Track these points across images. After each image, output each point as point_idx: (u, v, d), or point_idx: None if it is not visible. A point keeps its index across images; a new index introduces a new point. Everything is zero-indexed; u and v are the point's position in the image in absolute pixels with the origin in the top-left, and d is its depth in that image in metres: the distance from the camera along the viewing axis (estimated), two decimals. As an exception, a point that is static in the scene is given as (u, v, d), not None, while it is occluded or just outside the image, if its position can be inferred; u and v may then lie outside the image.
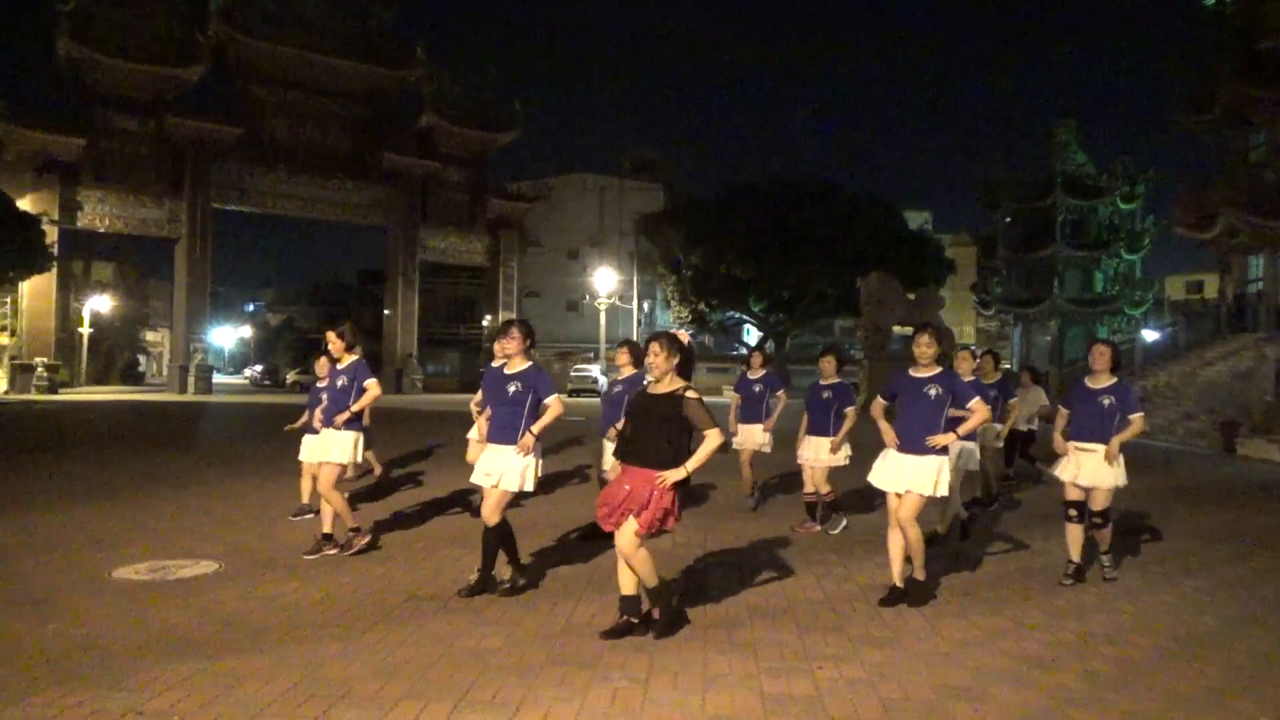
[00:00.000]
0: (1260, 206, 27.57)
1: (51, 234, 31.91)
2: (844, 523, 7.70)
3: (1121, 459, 5.91)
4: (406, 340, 43.21)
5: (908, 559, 5.38)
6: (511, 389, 5.40)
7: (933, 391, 5.34)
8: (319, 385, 7.71)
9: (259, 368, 55.93)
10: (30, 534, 6.96)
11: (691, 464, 4.46)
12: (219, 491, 9.32)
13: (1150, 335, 39.86)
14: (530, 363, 5.51)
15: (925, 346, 5.39)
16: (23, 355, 33.47)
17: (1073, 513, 6.00)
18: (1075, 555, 6.01)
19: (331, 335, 6.58)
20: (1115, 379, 6.08)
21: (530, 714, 3.56)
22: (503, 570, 5.45)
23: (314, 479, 7.57)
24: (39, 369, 31.82)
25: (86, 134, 34.71)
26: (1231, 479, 12.95)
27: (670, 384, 4.58)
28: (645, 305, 56.53)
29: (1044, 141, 45.53)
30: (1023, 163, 55.56)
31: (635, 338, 50.41)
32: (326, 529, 6.41)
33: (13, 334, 34.78)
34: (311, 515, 7.73)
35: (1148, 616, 5.26)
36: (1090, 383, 6.12)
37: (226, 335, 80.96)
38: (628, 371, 7.26)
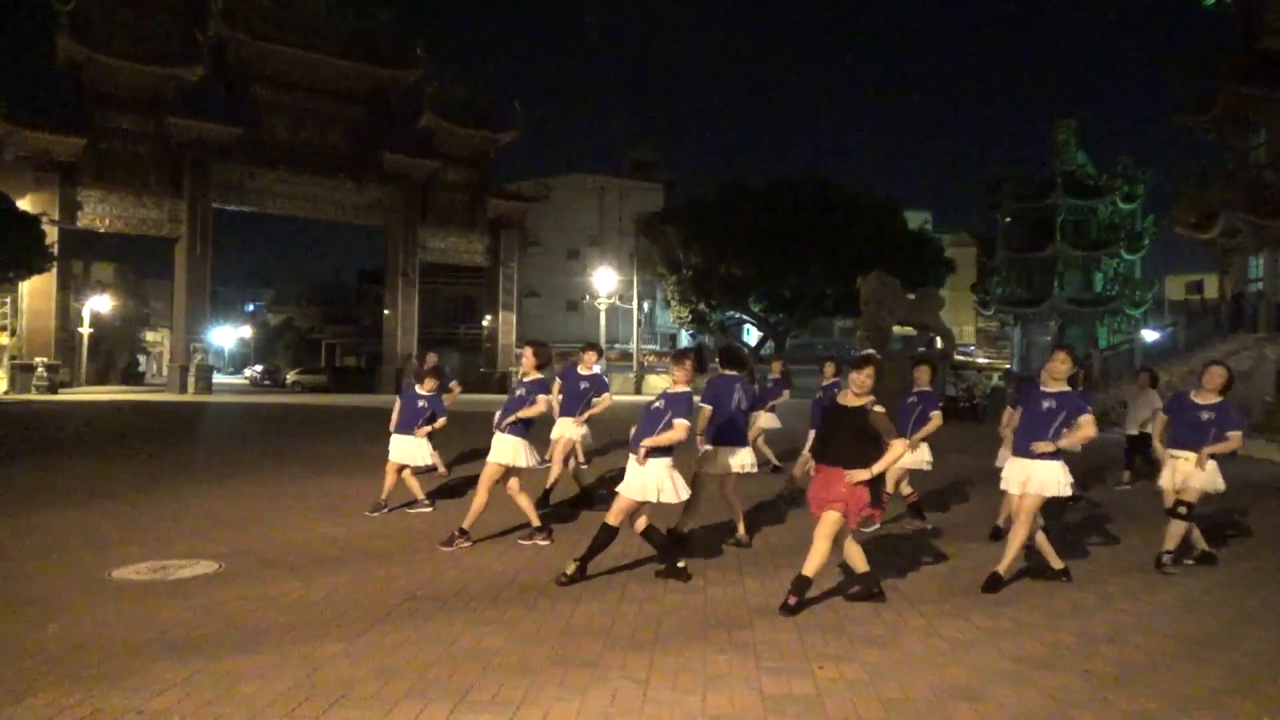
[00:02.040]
0: (1260, 206, 27.56)
1: (51, 234, 31.85)
2: (928, 526, 7.88)
3: (1215, 466, 6.45)
4: (406, 340, 43.14)
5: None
6: (656, 405, 5.84)
7: (1045, 405, 5.80)
8: (411, 390, 8.53)
9: (259, 368, 55.93)
10: (30, 534, 6.96)
11: (877, 467, 5.04)
12: (219, 491, 9.32)
13: (1150, 335, 39.86)
14: (686, 388, 5.87)
15: (1060, 363, 5.82)
16: (23, 355, 33.43)
17: (1182, 511, 6.49)
18: (1202, 544, 6.67)
19: (528, 352, 7.15)
20: (1221, 398, 6.47)
21: (530, 714, 3.56)
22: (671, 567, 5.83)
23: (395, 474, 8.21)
24: (39, 369, 31.78)
25: (86, 134, 34.67)
26: (1231, 479, 12.92)
27: (862, 398, 5.21)
28: (645, 305, 56.48)
29: (1044, 141, 45.55)
30: (1023, 163, 55.60)
31: (635, 338, 49.60)
32: (538, 523, 6.89)
33: (13, 334, 34.76)
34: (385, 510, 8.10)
35: (1148, 616, 5.26)
36: (1196, 397, 6.52)
37: (226, 335, 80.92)
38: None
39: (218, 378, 45.20)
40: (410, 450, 8.24)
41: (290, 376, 45.73)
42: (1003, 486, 6.06)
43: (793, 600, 5.05)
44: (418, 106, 42.99)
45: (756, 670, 4.10)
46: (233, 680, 3.83)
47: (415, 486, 8.30)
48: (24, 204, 31.28)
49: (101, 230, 36.70)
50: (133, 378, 47.76)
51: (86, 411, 22.58)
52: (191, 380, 36.10)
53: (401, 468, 8.24)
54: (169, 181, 37.23)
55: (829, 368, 9.73)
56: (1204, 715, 3.74)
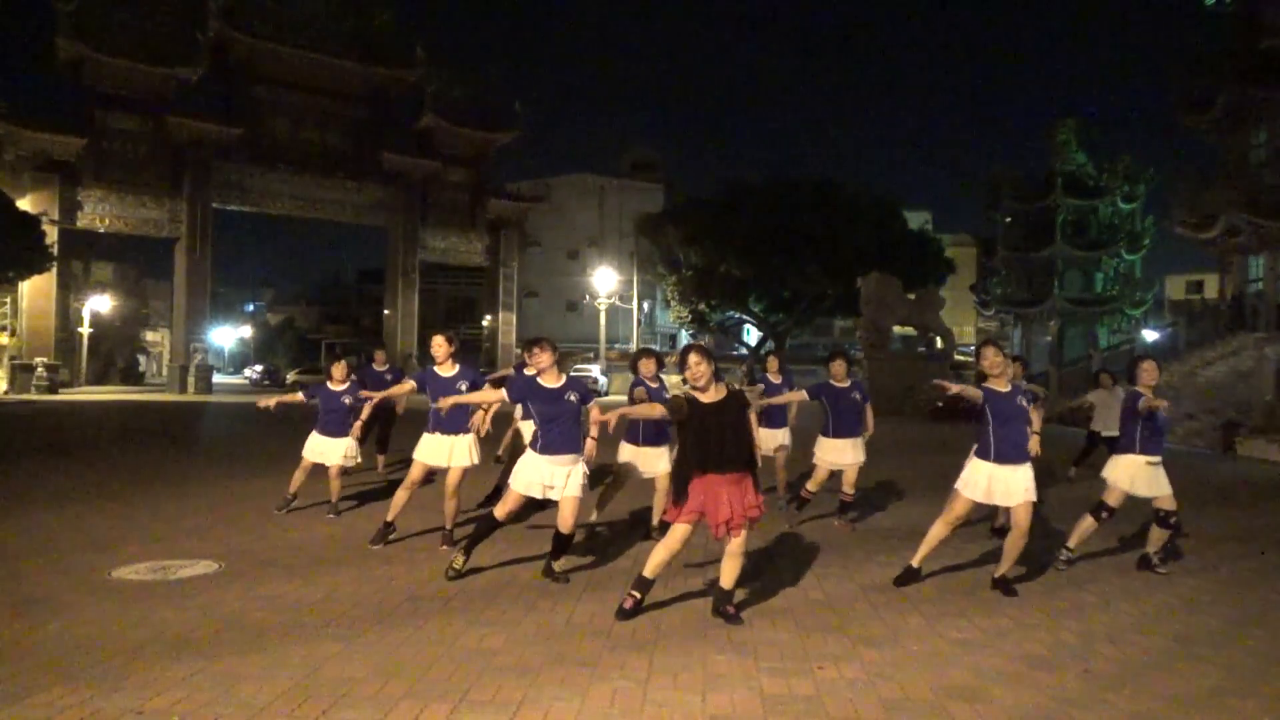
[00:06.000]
0: (1260, 206, 27.59)
1: (51, 234, 31.91)
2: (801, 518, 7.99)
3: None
4: (406, 340, 43.18)
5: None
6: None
7: (1023, 401, 5.57)
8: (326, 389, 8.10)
9: (259, 368, 55.92)
10: (30, 534, 6.96)
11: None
12: (219, 491, 9.32)
13: (1150, 335, 39.89)
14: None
15: (1000, 356, 5.57)
16: (23, 355, 33.47)
17: (1104, 515, 6.35)
18: (1074, 543, 6.43)
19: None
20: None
21: (530, 714, 3.56)
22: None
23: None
24: (39, 369, 31.82)
25: (86, 134, 34.71)
26: (1231, 479, 12.93)
27: (719, 389, 4.82)
28: (645, 305, 56.50)
29: (1044, 141, 45.56)
30: (1023, 163, 55.60)
31: (635, 338, 49.41)
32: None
33: (13, 334, 34.79)
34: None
35: (1148, 616, 5.26)
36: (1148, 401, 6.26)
37: (226, 335, 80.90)
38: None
39: (217, 378, 45.23)
40: (332, 449, 7.97)
41: (290, 376, 45.72)
42: (981, 499, 5.57)
43: (730, 609, 4.82)
44: (418, 106, 43.05)
45: (756, 670, 4.09)
46: (233, 680, 3.83)
47: (336, 489, 8.05)
48: (24, 204, 31.32)
49: (101, 230, 36.75)
50: (132, 378, 47.75)
51: (86, 411, 22.57)
52: (191, 380, 36.15)
53: (319, 466, 8.00)
54: (169, 181, 37.28)
55: (772, 361, 9.45)
56: (1204, 715, 3.74)
